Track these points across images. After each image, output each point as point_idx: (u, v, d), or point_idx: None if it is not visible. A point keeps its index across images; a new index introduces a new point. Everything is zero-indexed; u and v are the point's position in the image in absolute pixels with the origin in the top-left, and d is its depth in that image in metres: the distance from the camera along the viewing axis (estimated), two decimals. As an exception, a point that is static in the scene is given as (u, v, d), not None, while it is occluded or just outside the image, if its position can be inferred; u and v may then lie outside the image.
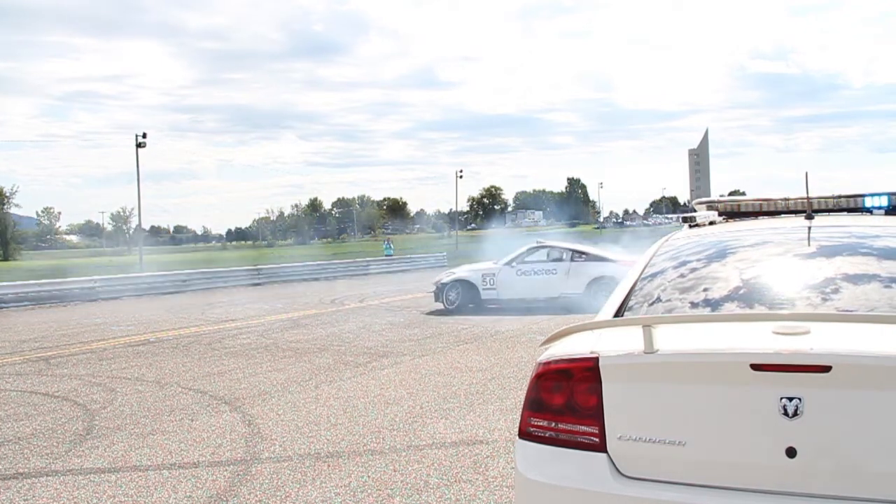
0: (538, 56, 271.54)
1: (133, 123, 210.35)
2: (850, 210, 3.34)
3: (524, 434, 2.25)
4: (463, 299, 15.50)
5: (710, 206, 3.61)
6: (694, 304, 2.47)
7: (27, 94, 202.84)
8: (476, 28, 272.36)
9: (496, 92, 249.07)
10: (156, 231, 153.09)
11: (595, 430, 2.12)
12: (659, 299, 2.57)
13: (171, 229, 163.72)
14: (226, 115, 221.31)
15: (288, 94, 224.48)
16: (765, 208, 3.49)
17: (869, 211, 3.29)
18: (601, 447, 2.11)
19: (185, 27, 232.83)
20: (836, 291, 2.34)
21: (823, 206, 3.33)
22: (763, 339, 2.00)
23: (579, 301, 14.38)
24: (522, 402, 2.31)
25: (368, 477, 4.69)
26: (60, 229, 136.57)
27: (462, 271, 16.32)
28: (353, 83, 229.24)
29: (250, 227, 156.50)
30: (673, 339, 2.09)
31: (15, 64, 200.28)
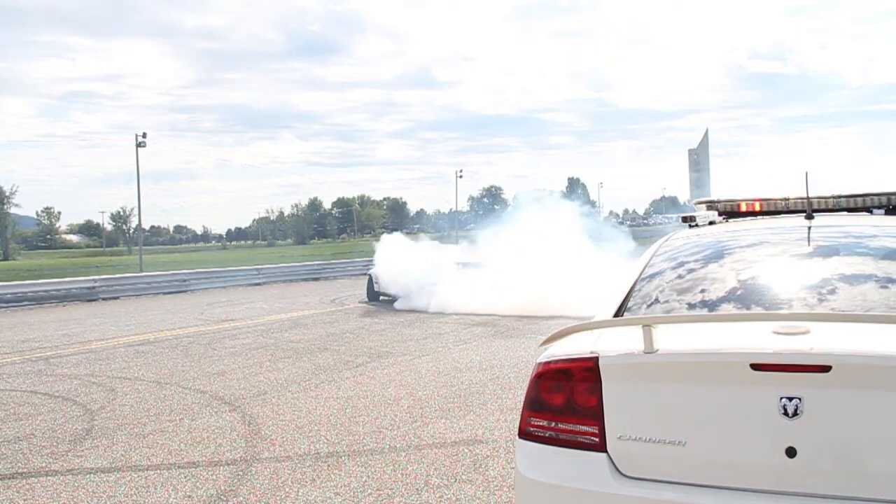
0: (536, 56, 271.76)
1: (131, 123, 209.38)
2: (850, 210, 3.33)
3: (524, 434, 2.25)
4: (371, 293, 18.24)
5: (710, 206, 3.60)
6: (693, 305, 2.47)
7: (24, 94, 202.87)
8: (473, 28, 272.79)
9: (494, 92, 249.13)
10: (156, 231, 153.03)
11: (595, 429, 2.11)
12: (658, 300, 2.57)
13: (171, 229, 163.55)
14: (223, 114, 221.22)
15: (285, 94, 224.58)
16: (765, 208, 3.49)
17: (869, 210, 3.29)
18: (601, 447, 2.10)
19: (181, 27, 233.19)
20: (834, 291, 2.34)
21: (823, 206, 3.33)
22: (763, 339, 2.00)
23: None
24: (522, 402, 2.31)
25: (368, 477, 4.69)
26: (60, 229, 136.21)
27: (371, 269, 18.82)
28: (350, 83, 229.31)
29: (250, 226, 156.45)
30: (673, 339, 2.09)
31: (11, 64, 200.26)
